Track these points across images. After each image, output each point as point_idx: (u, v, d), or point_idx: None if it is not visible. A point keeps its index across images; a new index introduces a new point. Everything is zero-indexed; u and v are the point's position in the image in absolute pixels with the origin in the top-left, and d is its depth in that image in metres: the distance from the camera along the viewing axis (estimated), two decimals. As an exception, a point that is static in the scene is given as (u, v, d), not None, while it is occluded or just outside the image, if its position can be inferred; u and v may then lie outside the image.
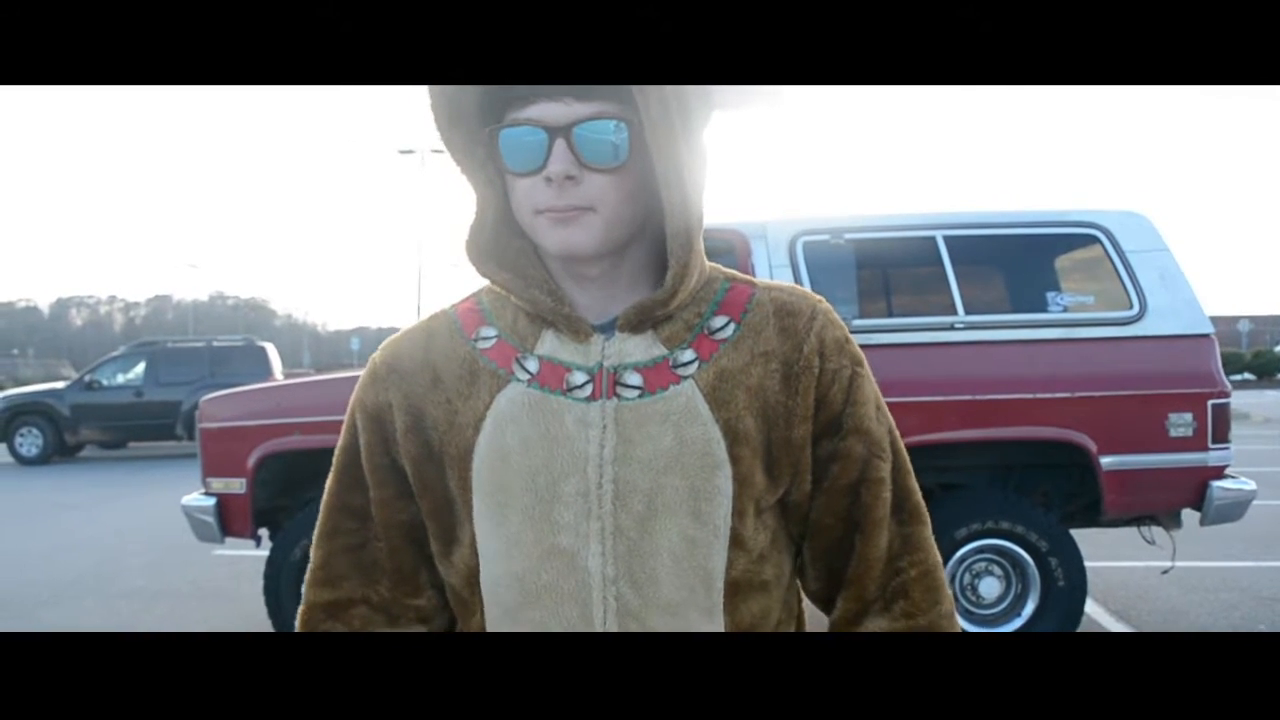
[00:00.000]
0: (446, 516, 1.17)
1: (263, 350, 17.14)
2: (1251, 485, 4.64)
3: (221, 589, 6.81)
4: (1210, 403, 4.51)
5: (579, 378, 1.12)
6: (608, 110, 1.06)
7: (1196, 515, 4.73)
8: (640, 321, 1.13)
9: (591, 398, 1.11)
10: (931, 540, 1.22)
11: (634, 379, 1.12)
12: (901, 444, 1.21)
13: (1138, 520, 5.03)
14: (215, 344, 17.45)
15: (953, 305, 4.67)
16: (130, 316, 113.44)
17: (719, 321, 1.15)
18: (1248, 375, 41.81)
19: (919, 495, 1.22)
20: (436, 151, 41.08)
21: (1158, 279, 4.64)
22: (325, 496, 1.25)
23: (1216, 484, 4.54)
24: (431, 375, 1.17)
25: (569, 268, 1.14)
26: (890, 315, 5.21)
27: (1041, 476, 4.84)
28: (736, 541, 1.12)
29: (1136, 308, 4.63)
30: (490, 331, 1.18)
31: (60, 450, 16.41)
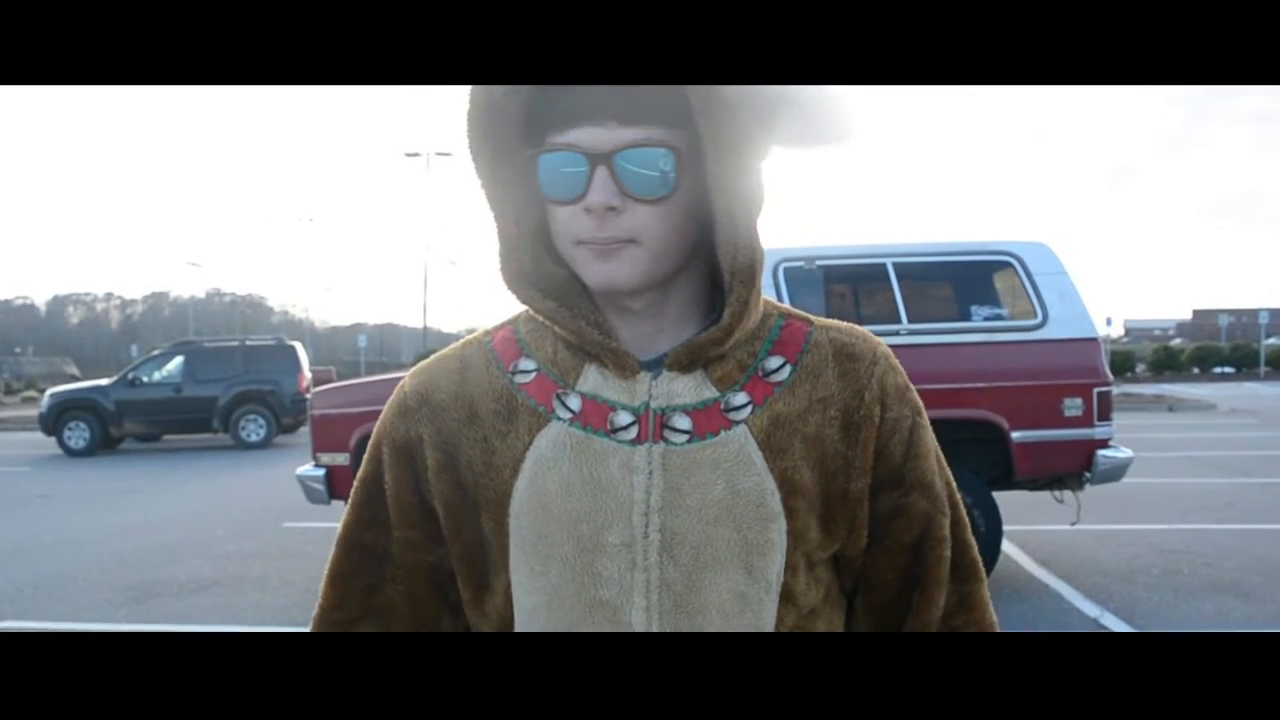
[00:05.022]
0: (479, 562, 1.11)
1: (293, 349, 18.54)
2: (1129, 453, 6.03)
3: (300, 550, 8.16)
4: (1096, 390, 5.90)
5: (624, 418, 1.05)
6: (654, 136, 0.98)
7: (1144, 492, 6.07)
8: (691, 361, 1.05)
9: (637, 440, 1.04)
10: (987, 597, 1.17)
11: (683, 422, 1.04)
12: (959, 496, 1.15)
13: (1048, 484, 6.41)
14: (249, 343, 18.85)
15: (899, 316, 6.07)
16: (127, 314, 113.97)
17: (774, 362, 1.08)
18: (1226, 368, 42.85)
19: (976, 551, 1.16)
20: (442, 154, 42.59)
21: (1058, 296, 6.03)
22: (341, 532, 1.18)
23: (1101, 452, 5.93)
24: (467, 410, 1.10)
25: (612, 300, 1.06)
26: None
27: (970, 449, 6.19)
28: (787, 597, 1.06)
29: (1040, 318, 6.03)
30: (529, 364, 1.10)
31: (105, 443, 17.73)
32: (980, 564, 1.17)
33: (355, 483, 1.19)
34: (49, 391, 19.00)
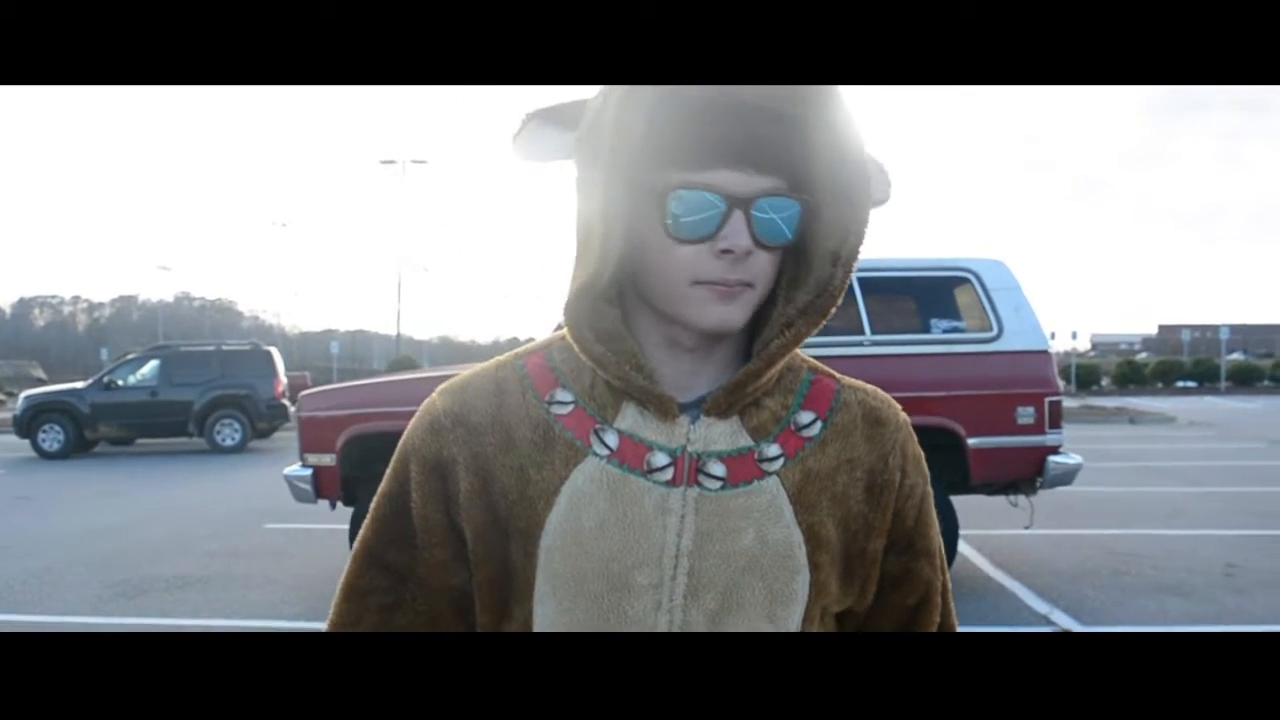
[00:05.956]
0: (504, 590, 1.10)
1: (268, 354, 18.70)
2: (1078, 459, 6.38)
3: (281, 549, 8.38)
4: (1047, 399, 6.26)
5: (661, 459, 1.06)
6: (784, 187, 1.02)
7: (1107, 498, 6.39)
8: (729, 405, 1.08)
9: (672, 482, 1.05)
10: None
11: (718, 469, 1.06)
12: (946, 561, 1.21)
13: (1003, 489, 6.75)
14: (224, 348, 18.97)
15: (862, 328, 6.39)
16: (95, 317, 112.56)
17: (806, 417, 1.11)
18: (1189, 382, 43.58)
19: (955, 614, 1.23)
20: (417, 162, 42.80)
21: (1012, 310, 6.39)
22: (359, 547, 1.17)
23: (1052, 458, 6.28)
24: (504, 436, 1.09)
25: (672, 336, 1.08)
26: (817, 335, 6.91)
27: (929, 455, 6.46)
28: None
29: (996, 330, 6.38)
30: (566, 396, 1.10)
31: (79, 446, 17.77)
32: (956, 627, 1.24)
33: (376, 498, 1.16)
34: (23, 394, 19.05)
